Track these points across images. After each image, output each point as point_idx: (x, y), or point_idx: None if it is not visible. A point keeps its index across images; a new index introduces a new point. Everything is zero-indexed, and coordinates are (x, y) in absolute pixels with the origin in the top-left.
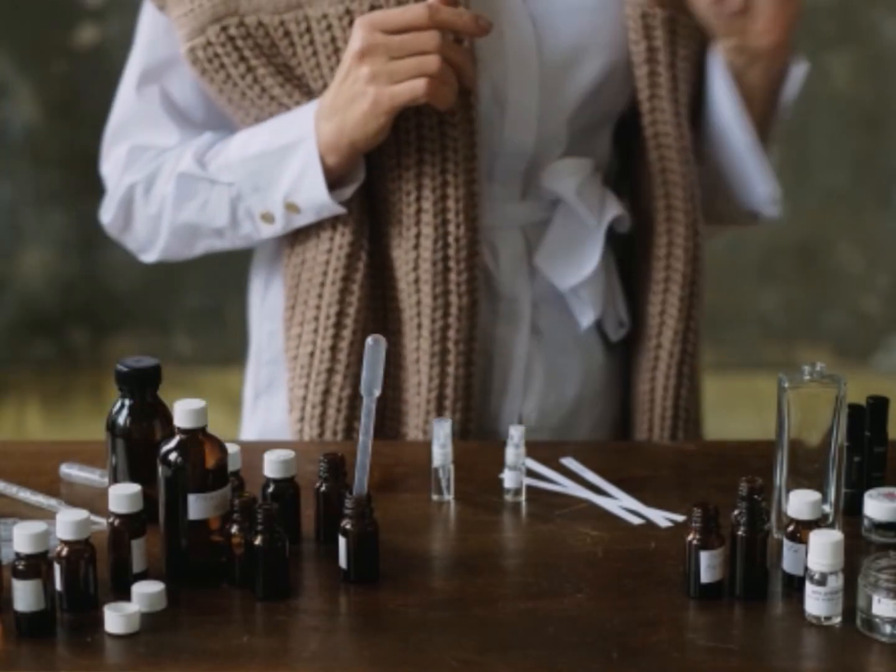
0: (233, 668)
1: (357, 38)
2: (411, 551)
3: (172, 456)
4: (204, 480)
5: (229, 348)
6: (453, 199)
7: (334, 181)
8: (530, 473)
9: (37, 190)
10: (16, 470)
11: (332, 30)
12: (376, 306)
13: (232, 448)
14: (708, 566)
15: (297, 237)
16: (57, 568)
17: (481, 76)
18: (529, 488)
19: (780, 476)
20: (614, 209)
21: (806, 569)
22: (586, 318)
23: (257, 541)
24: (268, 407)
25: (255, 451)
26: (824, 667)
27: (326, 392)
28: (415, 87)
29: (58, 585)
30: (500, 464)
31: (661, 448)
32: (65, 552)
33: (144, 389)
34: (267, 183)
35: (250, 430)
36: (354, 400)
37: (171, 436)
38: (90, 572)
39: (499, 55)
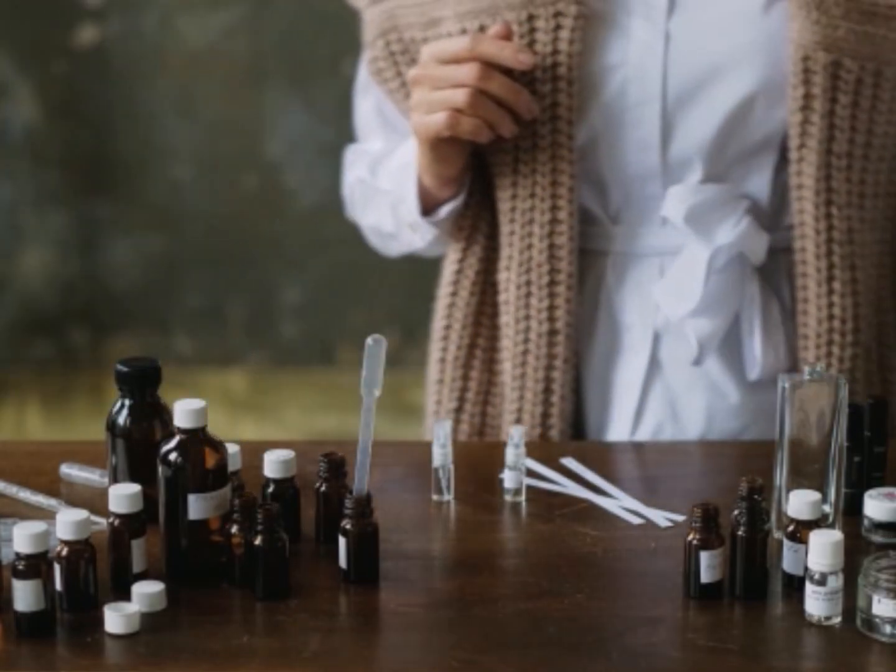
0: (233, 668)
1: (416, 66)
2: (411, 551)
3: (172, 456)
4: (204, 480)
5: (229, 348)
6: (538, 223)
7: (440, 200)
8: (530, 473)
9: (37, 190)
10: (16, 470)
11: None
12: (485, 324)
13: (232, 448)
14: (708, 566)
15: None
16: (57, 568)
17: (599, 91)
18: (529, 488)
19: (780, 476)
20: (726, 238)
21: (806, 569)
22: (692, 354)
23: (257, 541)
24: None
25: (255, 451)
26: (824, 667)
27: (438, 403)
28: (437, 121)
29: (58, 585)
30: (500, 464)
31: (661, 448)
32: (65, 552)
33: (144, 389)
34: (401, 195)
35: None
36: (458, 414)
37: (171, 436)
38: (90, 572)
39: (618, 70)
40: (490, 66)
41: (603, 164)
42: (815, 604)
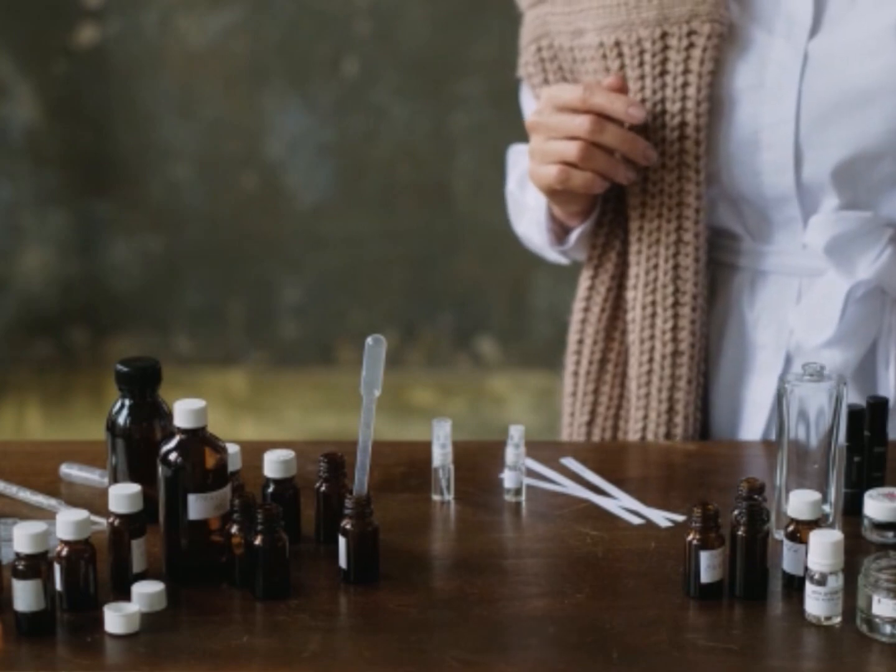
0: (233, 668)
1: (534, 110)
2: (411, 551)
3: (172, 456)
4: (204, 480)
5: (229, 348)
6: (664, 244)
7: (570, 226)
8: (530, 473)
9: (37, 190)
10: (16, 470)
11: (607, 60)
12: (616, 338)
13: (232, 448)
14: (708, 566)
15: None
16: (57, 568)
17: (731, 112)
18: (529, 488)
19: (780, 476)
20: (866, 273)
21: (806, 569)
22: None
23: (257, 541)
24: None
25: (255, 451)
26: (824, 667)
27: (571, 415)
28: (549, 173)
29: (58, 585)
30: (500, 464)
31: (661, 448)
32: (65, 552)
33: (144, 389)
34: (540, 218)
35: None
36: (590, 427)
37: (171, 436)
38: (90, 572)
39: (753, 92)
40: (603, 118)
41: (738, 184)
42: (815, 604)
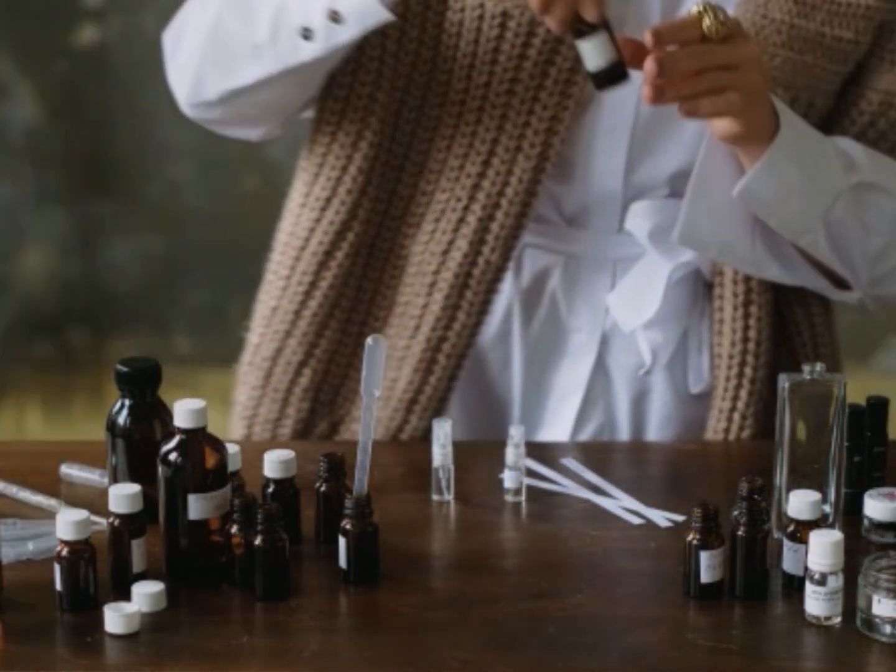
0: (233, 668)
1: None
2: (411, 551)
3: (172, 456)
4: (204, 480)
5: (229, 348)
6: (498, 223)
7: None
8: (530, 473)
9: (37, 190)
10: (16, 470)
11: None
12: (363, 287)
13: (232, 448)
14: (708, 566)
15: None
16: (57, 568)
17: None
18: (529, 488)
19: (780, 476)
20: (688, 254)
21: (806, 569)
22: (643, 365)
23: (257, 541)
24: None
25: (255, 451)
26: (824, 667)
27: (278, 351)
28: None
29: (58, 585)
30: (500, 464)
31: (661, 448)
32: (65, 552)
33: (144, 389)
34: None
35: None
36: (301, 368)
37: (171, 436)
38: (90, 572)
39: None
40: None
41: (565, 176)
42: (815, 604)
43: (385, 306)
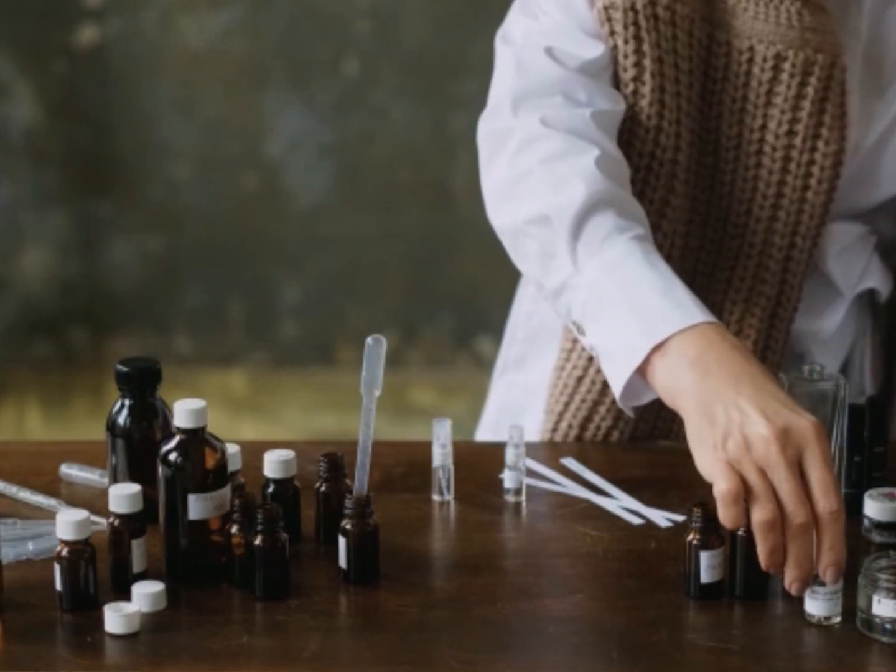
0: (233, 668)
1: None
2: (411, 551)
3: (172, 456)
4: (204, 480)
5: (229, 348)
6: (795, 261)
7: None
8: (530, 473)
9: (37, 190)
10: (16, 470)
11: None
12: None
13: (232, 448)
14: (708, 566)
15: None
16: (57, 568)
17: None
18: (529, 488)
19: None
20: (872, 281)
21: None
22: None
23: (257, 541)
24: (511, 382)
25: (255, 451)
26: (824, 667)
27: (587, 419)
28: (722, 480)
29: (58, 585)
30: (500, 464)
31: (661, 448)
32: (65, 552)
33: (144, 389)
34: (595, 309)
35: (494, 401)
36: (611, 430)
37: (171, 436)
38: (90, 572)
39: None
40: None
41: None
42: (815, 604)
43: None
